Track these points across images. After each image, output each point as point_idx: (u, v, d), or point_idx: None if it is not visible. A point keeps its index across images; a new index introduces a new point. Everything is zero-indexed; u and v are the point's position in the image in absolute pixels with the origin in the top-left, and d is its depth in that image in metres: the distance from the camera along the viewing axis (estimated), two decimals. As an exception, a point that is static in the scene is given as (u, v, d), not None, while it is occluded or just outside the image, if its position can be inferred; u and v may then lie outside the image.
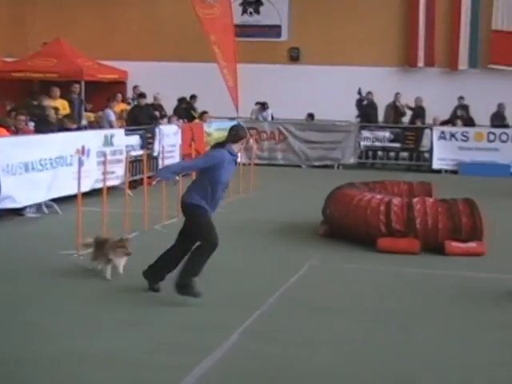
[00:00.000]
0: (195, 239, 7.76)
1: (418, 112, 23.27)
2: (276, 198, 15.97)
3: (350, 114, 23.18)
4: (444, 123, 22.83)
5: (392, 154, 23.02)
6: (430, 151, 22.09)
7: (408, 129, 22.85)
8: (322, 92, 24.34)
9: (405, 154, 22.90)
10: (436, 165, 21.87)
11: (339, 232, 11.24)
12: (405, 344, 6.74)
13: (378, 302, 8.06)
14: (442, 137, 21.99)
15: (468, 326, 7.34)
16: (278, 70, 25.19)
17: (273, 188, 17.32)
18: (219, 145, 7.98)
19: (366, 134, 22.79)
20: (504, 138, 21.64)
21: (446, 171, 21.64)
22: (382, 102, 23.34)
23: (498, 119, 22.45)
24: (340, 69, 24.68)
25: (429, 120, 23.15)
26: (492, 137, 21.75)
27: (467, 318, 7.62)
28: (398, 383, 5.85)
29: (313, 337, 6.85)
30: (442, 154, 21.82)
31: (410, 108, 23.36)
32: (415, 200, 10.77)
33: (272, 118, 23.98)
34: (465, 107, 23.02)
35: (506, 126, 22.20)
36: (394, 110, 23.44)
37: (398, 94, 23.29)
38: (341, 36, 25.08)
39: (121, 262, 8.56)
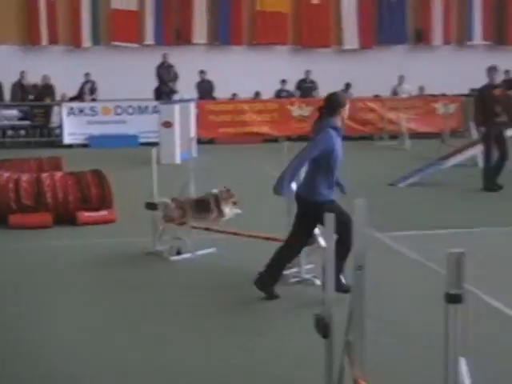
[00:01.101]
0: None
1: (46, 90, 23.30)
2: None
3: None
4: (73, 99, 23.26)
5: (22, 131, 22.81)
6: (61, 127, 22.29)
7: (37, 106, 22.79)
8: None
9: (35, 132, 22.84)
10: (67, 140, 22.11)
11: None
12: (41, 318, 6.82)
13: (6, 278, 8.01)
14: (71, 112, 22.32)
15: (110, 289, 7.69)
16: None
17: None
18: (320, 123, 6.91)
19: (-6, 113, 22.31)
20: (130, 110, 22.57)
21: (78, 145, 22.00)
22: (8, 81, 22.91)
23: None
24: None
25: (57, 97, 23.35)
26: (119, 110, 22.57)
27: (107, 281, 7.96)
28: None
29: None
30: (72, 128, 22.16)
31: (36, 86, 23.30)
32: (44, 175, 11.02)
33: None
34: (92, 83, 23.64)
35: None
36: (21, 89, 23.19)
37: (23, 72, 23.02)
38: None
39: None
